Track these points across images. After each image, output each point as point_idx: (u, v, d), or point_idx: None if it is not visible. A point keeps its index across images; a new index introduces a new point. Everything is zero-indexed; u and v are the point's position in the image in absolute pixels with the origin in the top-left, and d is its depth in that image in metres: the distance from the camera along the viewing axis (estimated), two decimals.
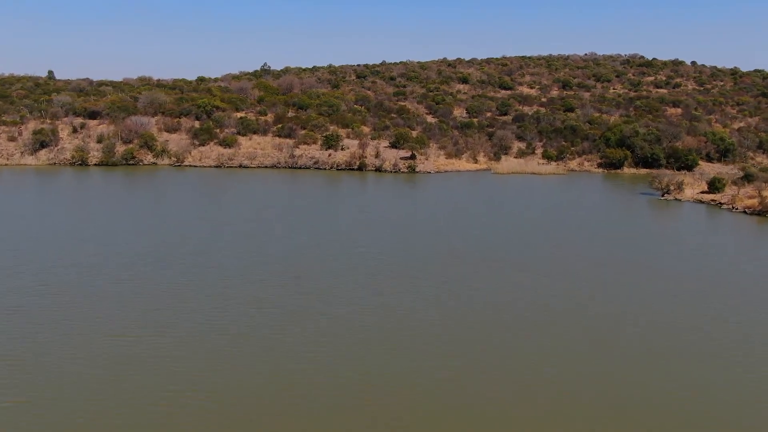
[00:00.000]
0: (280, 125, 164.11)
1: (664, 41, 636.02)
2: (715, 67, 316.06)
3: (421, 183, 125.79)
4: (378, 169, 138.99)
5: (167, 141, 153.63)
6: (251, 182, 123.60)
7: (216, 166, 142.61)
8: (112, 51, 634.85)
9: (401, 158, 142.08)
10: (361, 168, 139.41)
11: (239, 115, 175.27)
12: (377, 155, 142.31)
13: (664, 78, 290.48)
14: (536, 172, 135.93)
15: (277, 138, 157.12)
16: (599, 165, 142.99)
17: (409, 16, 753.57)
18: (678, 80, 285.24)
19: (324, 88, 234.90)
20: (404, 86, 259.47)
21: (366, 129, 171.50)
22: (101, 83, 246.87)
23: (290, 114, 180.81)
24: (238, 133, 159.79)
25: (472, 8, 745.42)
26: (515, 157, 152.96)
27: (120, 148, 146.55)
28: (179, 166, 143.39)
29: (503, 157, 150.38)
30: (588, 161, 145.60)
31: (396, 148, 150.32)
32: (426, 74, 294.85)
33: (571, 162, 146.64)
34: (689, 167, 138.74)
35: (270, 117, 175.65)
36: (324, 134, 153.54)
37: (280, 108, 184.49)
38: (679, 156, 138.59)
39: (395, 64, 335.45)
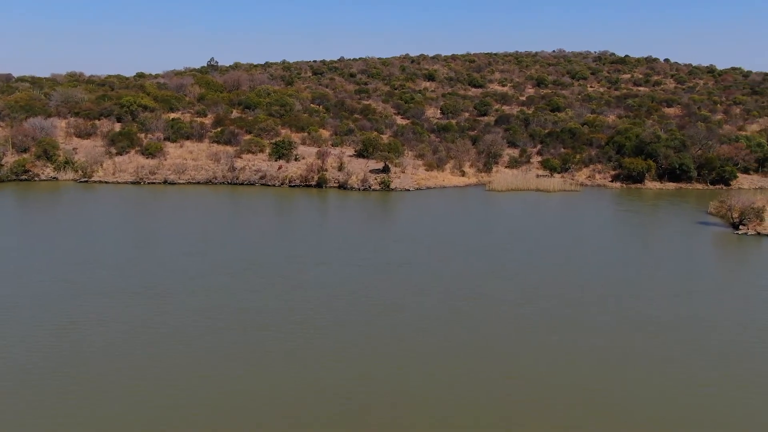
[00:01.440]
0: (219, 129, 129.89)
1: (633, 38, 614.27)
2: (691, 65, 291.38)
3: (398, 205, 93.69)
4: (342, 186, 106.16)
5: (76, 149, 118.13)
6: (163, 208, 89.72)
7: (134, 183, 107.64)
8: (66, 47, 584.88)
9: (371, 171, 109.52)
10: (321, 184, 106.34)
11: (171, 116, 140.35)
12: (341, 167, 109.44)
13: (641, 75, 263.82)
14: (541, 189, 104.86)
15: (215, 145, 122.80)
16: (614, 178, 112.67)
17: (368, 11, 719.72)
18: (656, 78, 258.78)
19: (277, 86, 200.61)
20: (366, 83, 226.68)
21: (325, 133, 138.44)
22: (21, 79, 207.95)
23: (234, 115, 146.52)
24: (167, 139, 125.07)
25: (433, 2, 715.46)
26: (507, 167, 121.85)
27: (10, 159, 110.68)
28: (86, 182, 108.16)
29: (494, 168, 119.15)
30: (599, 173, 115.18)
31: (364, 157, 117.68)
32: (389, 71, 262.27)
33: (578, 174, 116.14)
34: (726, 180, 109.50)
35: (209, 119, 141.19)
36: (273, 140, 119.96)
37: (222, 108, 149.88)
38: (713, 167, 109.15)
39: (355, 60, 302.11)
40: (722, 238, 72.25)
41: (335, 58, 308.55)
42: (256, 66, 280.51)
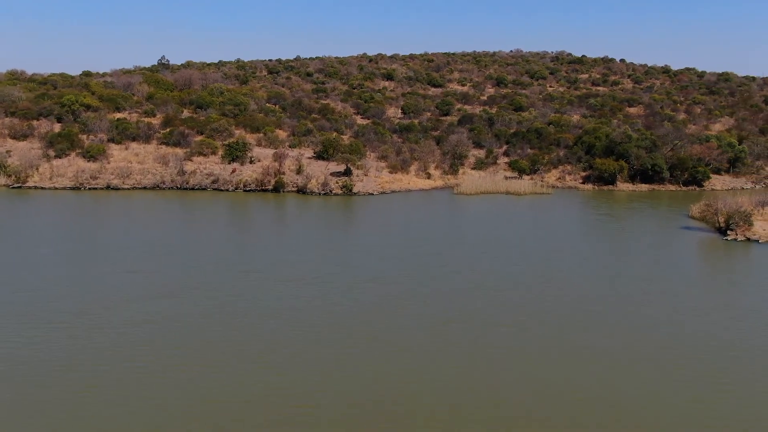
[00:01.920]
0: (168, 129, 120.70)
1: (589, 38, 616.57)
2: (646, 65, 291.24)
3: (362, 211, 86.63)
4: (301, 191, 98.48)
5: (10, 152, 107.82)
6: (104, 218, 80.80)
7: (73, 188, 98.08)
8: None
9: (332, 174, 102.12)
10: (278, 189, 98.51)
11: (117, 116, 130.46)
12: (300, 170, 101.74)
13: (599, 75, 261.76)
14: (511, 192, 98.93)
15: (163, 147, 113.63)
16: (585, 179, 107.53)
17: (324, 10, 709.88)
18: (614, 77, 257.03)
19: (232, 85, 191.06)
20: (324, 83, 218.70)
21: (282, 134, 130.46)
22: None
23: (185, 115, 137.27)
24: (111, 141, 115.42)
25: (390, 2, 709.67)
26: (474, 169, 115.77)
27: None
28: (19, 187, 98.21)
29: (461, 170, 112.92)
30: (569, 174, 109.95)
31: (324, 159, 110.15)
32: (346, 70, 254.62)
33: (548, 175, 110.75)
34: (699, 182, 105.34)
35: (158, 119, 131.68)
36: (227, 141, 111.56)
37: (172, 107, 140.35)
38: (685, 167, 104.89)
39: (311, 59, 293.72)
40: (711, 245, 67.09)
41: (291, 57, 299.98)
42: (209, 65, 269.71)
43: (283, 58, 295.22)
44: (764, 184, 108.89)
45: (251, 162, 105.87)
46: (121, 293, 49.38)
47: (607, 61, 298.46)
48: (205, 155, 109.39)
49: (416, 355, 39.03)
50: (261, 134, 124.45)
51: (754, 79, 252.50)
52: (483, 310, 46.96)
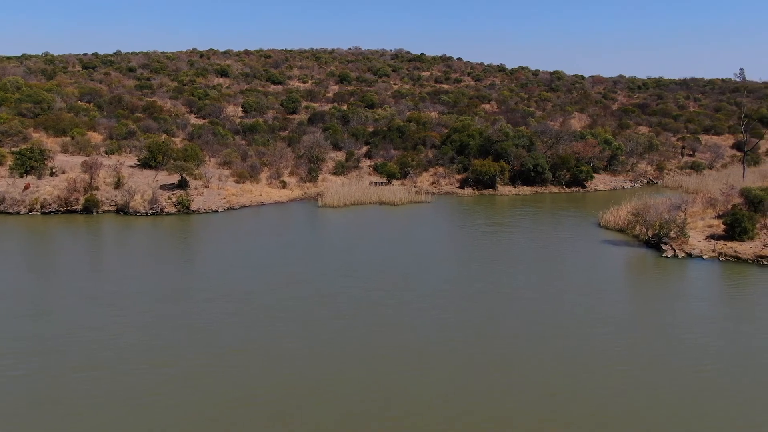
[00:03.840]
0: None
1: (426, 37, 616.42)
2: (483, 63, 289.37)
3: (205, 236, 65.33)
4: (122, 210, 74.65)
5: None
6: None
7: None
8: None
9: (163, 187, 79.17)
10: (90, 209, 73.95)
11: None
12: (119, 184, 77.73)
13: (440, 73, 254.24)
14: (386, 201, 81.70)
15: None
16: (463, 183, 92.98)
17: (149, 2, 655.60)
18: (455, 75, 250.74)
19: (37, 80, 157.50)
20: (149, 79, 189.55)
21: (97, 137, 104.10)
22: None
23: None
24: None
25: None
26: (334, 174, 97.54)
27: None
28: None
29: (320, 176, 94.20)
30: (444, 178, 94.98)
31: (151, 168, 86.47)
32: (175, 65, 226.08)
33: (420, 180, 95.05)
34: (581, 182, 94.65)
35: None
36: (17, 148, 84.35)
37: None
38: (568, 167, 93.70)
39: (134, 53, 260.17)
40: (650, 265, 53.84)
41: (111, 52, 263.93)
42: (10, 58, 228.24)
43: (101, 53, 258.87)
44: (641, 182, 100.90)
45: (53, 174, 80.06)
46: None
47: (445, 59, 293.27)
48: None
49: None
50: (68, 138, 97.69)
51: (583, 77, 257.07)
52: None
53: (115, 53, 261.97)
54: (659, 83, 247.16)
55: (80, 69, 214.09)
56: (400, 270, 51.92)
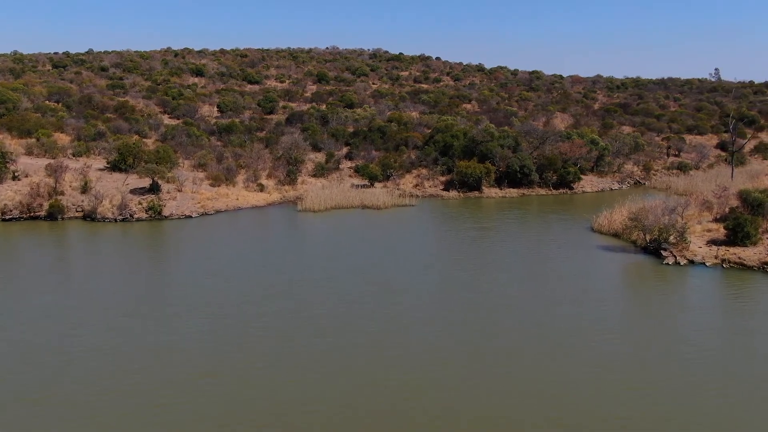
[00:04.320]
0: None
1: (405, 36, 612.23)
2: (462, 63, 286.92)
3: (177, 244, 61.20)
4: (89, 217, 70.04)
5: None
6: None
7: None
8: None
9: (133, 192, 74.73)
10: (55, 215, 69.24)
11: None
12: (86, 188, 73.15)
13: (419, 73, 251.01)
14: (369, 205, 78.04)
15: None
16: (447, 185, 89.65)
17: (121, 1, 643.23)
18: (434, 75, 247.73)
19: (5, 80, 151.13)
20: (122, 78, 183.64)
21: (64, 138, 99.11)
22: None
23: None
24: None
25: None
26: (314, 177, 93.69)
27: None
28: None
29: (300, 178, 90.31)
30: (427, 180, 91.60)
31: (121, 171, 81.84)
32: (148, 65, 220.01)
33: (403, 182, 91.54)
34: (568, 184, 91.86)
35: None
36: None
37: None
38: (555, 168, 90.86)
39: (107, 53, 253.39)
40: (652, 273, 50.84)
41: (83, 51, 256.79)
42: None
43: (72, 51, 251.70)
44: (628, 183, 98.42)
45: (15, 178, 75.24)
46: None
47: (424, 59, 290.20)
48: None
49: None
50: (33, 139, 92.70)
51: (562, 77, 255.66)
52: None
53: (87, 52, 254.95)
54: (637, 83, 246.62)
55: (50, 68, 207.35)
56: (385, 280, 48.41)
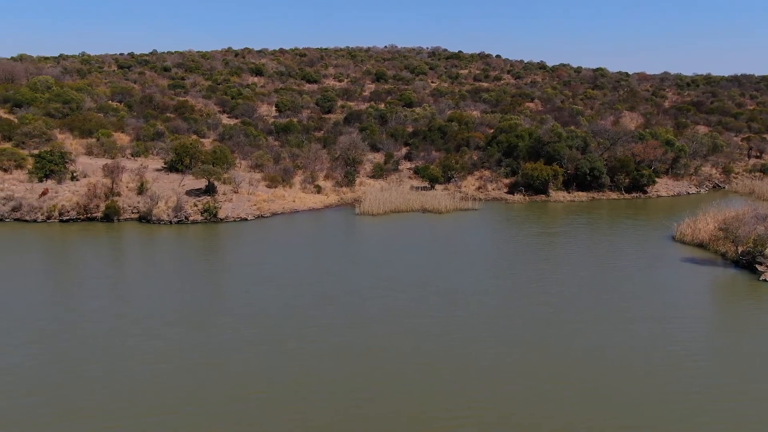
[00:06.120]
0: None
1: (463, 34, 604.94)
2: (522, 61, 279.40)
3: (233, 249, 58.76)
4: (145, 218, 68.73)
5: None
6: None
7: None
8: None
9: (189, 193, 73.11)
10: (111, 217, 68.16)
11: None
12: (142, 189, 71.91)
13: (478, 71, 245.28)
14: (429, 209, 74.42)
15: None
16: (512, 188, 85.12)
17: (186, 2, 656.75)
18: (494, 73, 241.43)
19: (72, 80, 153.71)
20: (183, 78, 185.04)
21: (124, 138, 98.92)
22: None
23: None
24: None
25: None
26: (372, 178, 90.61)
27: None
28: None
29: (357, 180, 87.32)
30: (491, 182, 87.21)
31: (177, 171, 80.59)
32: (210, 64, 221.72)
33: (464, 184, 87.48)
34: (642, 187, 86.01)
35: None
36: (37, 151, 79.20)
37: None
38: (628, 170, 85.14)
39: (170, 53, 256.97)
40: (744, 289, 45.59)
41: (147, 52, 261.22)
42: (47, 58, 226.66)
43: (137, 53, 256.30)
44: (707, 186, 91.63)
45: (73, 179, 74.62)
46: None
47: (483, 57, 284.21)
48: (5, 170, 76.55)
49: None
50: (94, 139, 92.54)
51: (627, 74, 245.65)
52: None
53: (151, 53, 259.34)
54: (709, 80, 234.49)
55: (116, 69, 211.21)
56: (446, 292, 44.65)
